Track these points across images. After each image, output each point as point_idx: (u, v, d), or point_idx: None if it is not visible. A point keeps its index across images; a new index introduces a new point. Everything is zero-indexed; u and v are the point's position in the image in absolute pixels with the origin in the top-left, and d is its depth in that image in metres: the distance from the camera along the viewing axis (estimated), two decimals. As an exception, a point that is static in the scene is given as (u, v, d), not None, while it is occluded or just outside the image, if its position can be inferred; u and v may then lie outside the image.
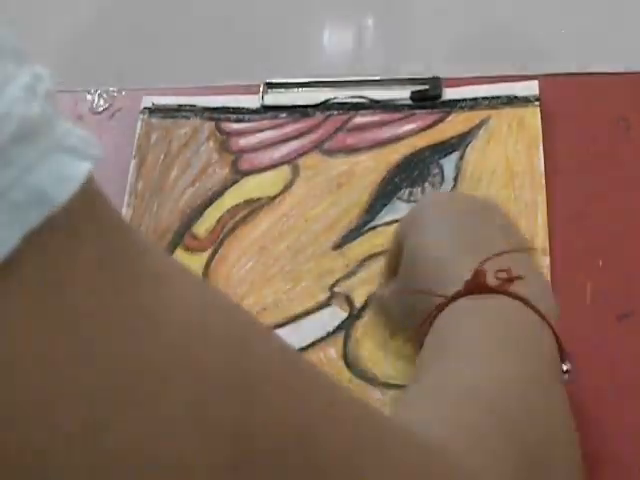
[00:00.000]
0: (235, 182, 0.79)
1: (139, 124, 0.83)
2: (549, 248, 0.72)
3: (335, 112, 0.82)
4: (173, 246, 0.76)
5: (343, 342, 0.71)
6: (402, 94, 0.82)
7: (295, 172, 0.79)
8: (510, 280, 0.56)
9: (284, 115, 0.82)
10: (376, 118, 0.81)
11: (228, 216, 0.77)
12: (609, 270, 0.71)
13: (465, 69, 0.84)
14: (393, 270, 0.65)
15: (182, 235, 0.77)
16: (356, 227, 0.75)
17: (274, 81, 0.84)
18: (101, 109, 0.85)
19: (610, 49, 0.91)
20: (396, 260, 0.64)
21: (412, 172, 0.77)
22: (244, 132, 0.82)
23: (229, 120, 0.82)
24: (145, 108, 0.83)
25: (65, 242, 0.31)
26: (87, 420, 0.31)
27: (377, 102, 0.82)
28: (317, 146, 0.80)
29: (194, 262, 0.75)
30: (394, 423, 0.42)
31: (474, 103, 0.80)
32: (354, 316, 0.72)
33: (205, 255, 0.76)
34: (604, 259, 0.72)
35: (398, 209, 0.76)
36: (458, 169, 0.77)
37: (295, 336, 0.71)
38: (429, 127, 0.80)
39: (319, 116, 0.82)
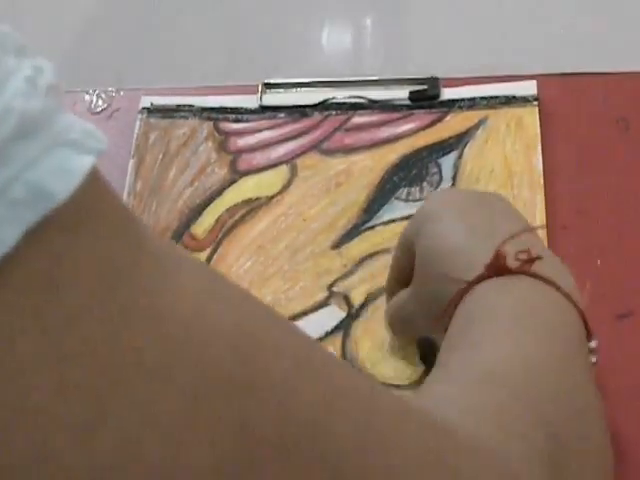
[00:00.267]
0: (233, 182, 0.79)
1: (137, 124, 0.83)
2: (547, 248, 0.72)
3: (333, 112, 0.82)
4: (171, 246, 0.76)
5: (341, 342, 0.71)
6: (400, 94, 0.82)
7: (293, 172, 0.79)
8: (531, 260, 0.55)
9: (282, 115, 0.82)
10: (374, 118, 0.81)
11: (227, 216, 0.77)
12: (608, 270, 0.71)
13: (463, 69, 0.84)
14: (402, 280, 0.65)
15: (181, 235, 0.77)
16: (354, 227, 0.75)
17: (272, 81, 0.84)
18: (99, 109, 0.85)
19: (609, 49, 0.91)
20: (405, 269, 0.64)
21: (410, 171, 0.77)
22: (242, 132, 0.82)
23: (227, 120, 0.82)
24: (143, 108, 0.83)
25: (67, 239, 0.30)
26: (85, 418, 0.30)
27: (375, 102, 0.82)
28: (315, 146, 0.80)
29: (192, 262, 0.75)
30: (411, 407, 0.41)
31: (472, 103, 0.80)
32: (352, 316, 0.72)
33: (204, 255, 0.76)
34: (603, 259, 0.72)
35: (396, 208, 0.76)
36: (456, 169, 0.77)
37: (293, 336, 0.71)
38: (427, 127, 0.80)
39: (317, 116, 0.82)
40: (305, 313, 0.72)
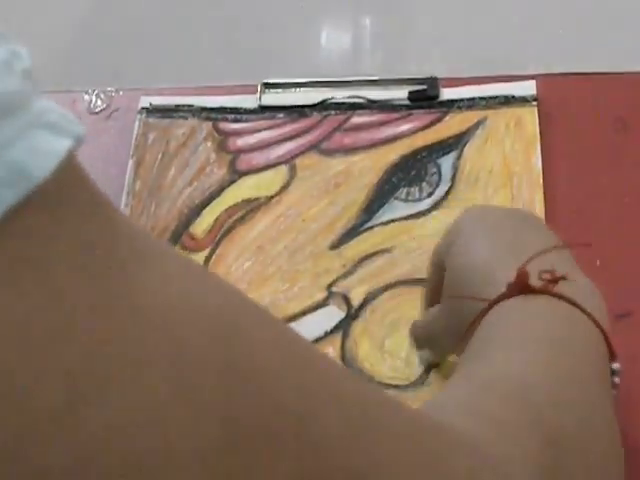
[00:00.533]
0: (233, 182, 0.79)
1: (137, 124, 0.83)
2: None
3: (333, 112, 0.82)
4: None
5: (341, 342, 0.71)
6: (400, 94, 0.82)
7: (292, 172, 0.79)
8: (554, 280, 0.55)
9: (282, 115, 0.82)
10: (374, 118, 0.81)
11: (226, 216, 0.77)
12: (607, 270, 0.71)
13: (462, 69, 0.84)
14: (434, 298, 0.64)
15: (180, 235, 0.77)
16: (353, 227, 0.75)
17: (272, 81, 0.84)
18: (99, 109, 0.85)
19: (609, 49, 0.91)
20: (437, 285, 0.63)
21: (409, 172, 0.77)
22: (242, 132, 0.82)
23: (227, 120, 0.82)
24: (143, 108, 0.83)
25: (46, 219, 0.30)
26: (68, 398, 0.30)
27: (375, 102, 0.82)
28: (314, 146, 0.80)
29: (192, 262, 0.75)
30: (403, 406, 0.41)
31: (472, 103, 0.80)
32: (352, 316, 0.72)
33: (203, 255, 0.76)
34: (602, 259, 0.72)
35: (396, 209, 0.76)
36: (455, 169, 0.77)
37: (293, 336, 0.71)
38: (427, 127, 0.79)
39: (317, 116, 0.82)
40: (304, 313, 0.72)
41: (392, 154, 0.78)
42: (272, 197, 0.78)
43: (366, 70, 0.90)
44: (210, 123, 0.82)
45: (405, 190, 0.77)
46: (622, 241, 0.73)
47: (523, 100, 0.79)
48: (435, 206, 0.75)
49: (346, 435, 0.36)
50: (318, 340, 0.71)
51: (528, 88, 0.79)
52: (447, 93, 0.81)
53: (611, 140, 0.77)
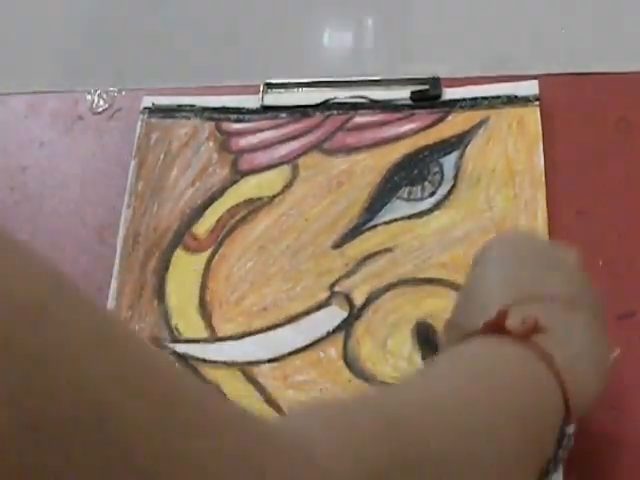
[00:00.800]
0: (235, 182, 0.79)
1: (139, 124, 0.83)
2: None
3: (335, 112, 0.82)
4: (173, 246, 0.76)
5: (343, 342, 0.71)
6: (402, 94, 0.82)
7: (295, 172, 0.79)
8: (530, 330, 0.54)
9: (284, 115, 0.82)
10: (376, 118, 0.81)
11: (228, 216, 0.77)
12: (609, 270, 0.71)
13: (465, 69, 0.84)
14: None
15: (182, 235, 0.77)
16: (356, 226, 0.75)
17: (274, 81, 0.84)
18: (101, 109, 0.85)
19: (610, 49, 0.91)
20: None
21: (412, 171, 0.77)
22: (244, 132, 0.82)
23: (229, 120, 0.82)
24: (145, 108, 0.84)
25: None
26: None
27: (377, 102, 0.82)
28: (317, 146, 0.80)
29: (194, 262, 0.75)
30: (226, 407, 0.41)
31: (474, 103, 0.80)
32: (354, 315, 0.72)
33: (205, 255, 0.76)
34: (604, 259, 0.72)
35: (398, 208, 0.76)
36: (458, 168, 0.77)
37: (295, 336, 0.71)
38: (429, 127, 0.79)
39: (319, 116, 0.82)
40: (307, 313, 0.72)
41: (394, 154, 0.78)
42: (274, 197, 0.78)
43: (368, 70, 0.90)
44: (212, 123, 0.82)
45: (407, 189, 0.77)
46: (625, 241, 0.73)
47: (525, 100, 0.79)
48: (437, 205, 0.75)
49: (153, 434, 0.35)
50: (320, 340, 0.71)
51: (530, 88, 0.79)
52: (449, 93, 0.81)
53: (614, 140, 0.77)
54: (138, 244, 0.77)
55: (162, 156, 0.81)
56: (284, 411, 0.69)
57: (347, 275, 0.73)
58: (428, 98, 0.81)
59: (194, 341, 0.72)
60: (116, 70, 0.92)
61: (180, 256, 0.76)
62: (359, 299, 0.72)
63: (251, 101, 0.83)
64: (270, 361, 0.71)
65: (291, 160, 0.80)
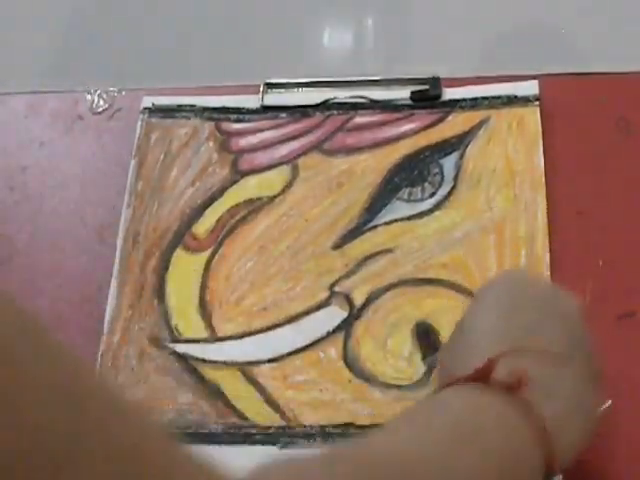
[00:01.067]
0: (235, 182, 0.79)
1: (139, 124, 0.83)
2: (549, 247, 0.72)
3: (335, 112, 0.82)
4: (173, 246, 0.77)
5: (343, 342, 0.71)
6: (402, 94, 0.82)
7: (295, 172, 0.79)
8: (515, 384, 0.53)
9: (284, 115, 0.82)
10: (376, 118, 0.81)
11: (228, 216, 0.78)
12: (609, 270, 0.71)
13: (465, 69, 0.84)
14: None
15: (182, 235, 0.77)
16: (356, 227, 0.75)
17: (274, 81, 0.84)
18: (101, 109, 0.85)
19: (610, 49, 0.91)
20: None
21: (412, 172, 0.77)
22: (244, 132, 0.82)
23: (229, 120, 0.82)
24: (145, 108, 0.84)
25: None
26: None
27: (377, 102, 0.82)
28: (317, 146, 0.80)
29: (194, 262, 0.75)
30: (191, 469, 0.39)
31: (474, 103, 0.80)
32: (354, 316, 0.72)
33: (205, 255, 0.76)
34: (604, 259, 0.72)
35: (398, 209, 0.76)
36: (458, 168, 0.77)
37: (295, 336, 0.71)
38: (429, 127, 0.80)
39: (319, 116, 0.82)
40: (307, 313, 0.72)
41: (395, 154, 0.78)
42: (274, 197, 0.78)
43: (368, 70, 0.89)
44: (212, 123, 0.82)
45: (407, 190, 0.77)
46: (625, 241, 0.73)
47: (525, 100, 0.79)
48: (437, 206, 0.75)
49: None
50: (320, 340, 0.71)
51: (530, 88, 0.79)
52: (449, 93, 0.81)
53: (614, 140, 0.77)
54: (138, 244, 0.77)
55: (162, 156, 0.81)
56: (284, 411, 0.69)
57: (347, 275, 0.73)
58: (428, 98, 0.81)
59: (194, 341, 0.73)
60: (116, 70, 0.92)
61: (180, 256, 0.76)
62: (359, 299, 0.72)
63: (251, 101, 0.83)
64: (270, 361, 0.71)
65: (291, 160, 0.80)
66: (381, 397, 0.68)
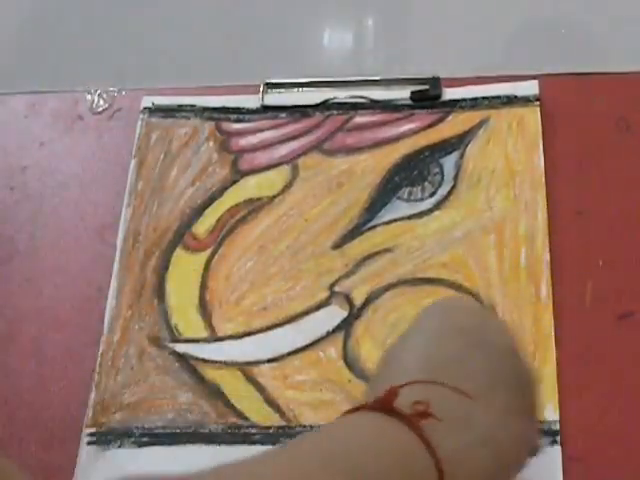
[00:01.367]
0: (235, 182, 0.79)
1: (139, 124, 0.83)
2: (549, 247, 0.72)
3: (335, 112, 0.82)
4: (173, 246, 0.77)
5: (343, 341, 0.71)
6: (402, 94, 0.82)
7: (295, 172, 0.79)
8: (422, 415, 0.51)
9: (284, 115, 0.82)
10: (376, 118, 0.81)
11: (228, 216, 0.78)
12: (609, 270, 0.71)
13: (465, 69, 0.84)
14: None
15: (182, 235, 0.77)
16: (356, 226, 0.75)
17: (274, 81, 0.84)
18: (101, 109, 0.85)
19: (609, 49, 0.91)
20: None
21: (412, 171, 0.77)
22: (244, 132, 0.82)
23: (229, 120, 0.82)
24: (145, 108, 0.84)
25: None
26: None
27: (377, 102, 0.82)
28: (317, 146, 0.80)
29: (194, 262, 0.75)
30: None
31: (474, 103, 0.80)
32: (354, 315, 0.72)
33: (205, 255, 0.76)
34: (604, 259, 0.72)
35: (398, 208, 0.76)
36: (458, 168, 0.77)
37: (295, 335, 0.71)
38: (429, 127, 0.80)
39: (319, 116, 0.82)
40: (306, 313, 0.72)
41: (394, 154, 0.78)
42: (274, 197, 0.78)
43: (368, 70, 0.89)
44: (212, 123, 0.82)
45: (407, 190, 0.77)
46: (625, 241, 0.73)
47: (525, 100, 0.79)
48: (437, 206, 0.75)
49: None
50: (320, 340, 0.71)
51: (530, 88, 0.80)
52: (449, 93, 0.81)
53: (614, 140, 0.77)
54: (138, 243, 0.77)
55: (162, 156, 0.81)
56: (284, 411, 0.69)
57: (347, 275, 0.73)
58: (428, 98, 0.81)
59: (194, 341, 0.73)
60: (116, 70, 0.92)
61: (180, 256, 0.76)
62: (359, 299, 0.72)
63: (251, 101, 0.83)
64: (270, 361, 0.71)
65: (291, 160, 0.80)
66: (381, 397, 0.68)
